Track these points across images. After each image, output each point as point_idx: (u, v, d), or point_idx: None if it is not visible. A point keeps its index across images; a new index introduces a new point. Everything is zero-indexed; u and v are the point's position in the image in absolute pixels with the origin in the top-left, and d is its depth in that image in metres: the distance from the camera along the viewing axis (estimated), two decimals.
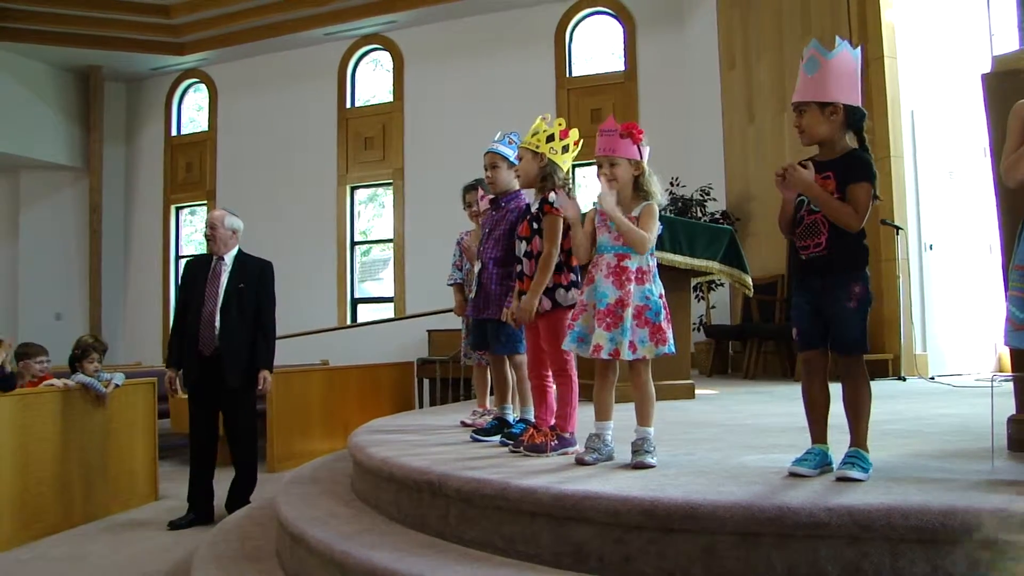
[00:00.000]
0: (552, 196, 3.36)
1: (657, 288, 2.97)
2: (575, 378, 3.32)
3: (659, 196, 3.04)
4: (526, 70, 10.98)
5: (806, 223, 2.70)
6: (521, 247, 3.48)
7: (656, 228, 2.99)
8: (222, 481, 5.11)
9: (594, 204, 3.10)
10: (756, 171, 8.64)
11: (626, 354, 2.88)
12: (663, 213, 5.33)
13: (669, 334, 2.93)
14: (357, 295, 12.14)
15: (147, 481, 5.71)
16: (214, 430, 5.05)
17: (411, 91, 11.76)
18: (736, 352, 8.69)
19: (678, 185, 8.94)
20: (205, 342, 4.89)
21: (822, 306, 2.64)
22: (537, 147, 3.46)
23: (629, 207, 3.01)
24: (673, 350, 2.94)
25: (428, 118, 11.54)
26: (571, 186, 3.47)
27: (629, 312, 2.90)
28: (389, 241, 12.09)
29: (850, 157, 2.63)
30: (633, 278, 2.94)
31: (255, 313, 5.01)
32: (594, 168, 3.10)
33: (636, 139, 3.03)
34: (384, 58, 12.18)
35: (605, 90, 10.65)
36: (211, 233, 5.08)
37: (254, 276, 5.06)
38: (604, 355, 2.90)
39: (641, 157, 3.04)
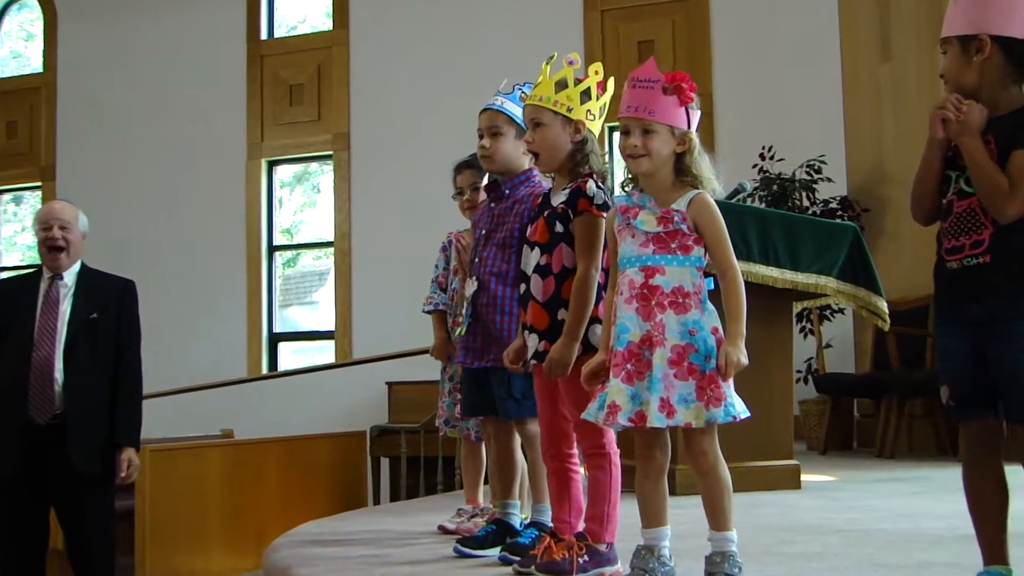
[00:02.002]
0: (592, 186, 3.41)
1: (709, 319, 3.03)
2: (616, 460, 3.36)
3: (713, 183, 3.11)
4: None
5: (956, 212, 2.74)
6: (531, 257, 3.51)
7: (724, 228, 3.06)
8: None
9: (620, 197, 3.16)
10: (894, 136, 8.72)
11: (656, 419, 2.92)
12: (730, 203, 5.41)
13: (730, 390, 2.98)
14: (278, 328, 12.21)
15: None
16: (43, 544, 5.09)
17: (361, 13, 11.87)
18: (865, 416, 8.72)
19: (772, 159, 9.02)
20: (37, 405, 4.91)
21: (986, 349, 2.68)
22: (570, 109, 3.50)
23: (667, 199, 3.08)
24: (741, 414, 2.99)
25: (388, 56, 11.64)
26: (608, 172, 3.52)
27: (661, 354, 2.96)
28: (327, 245, 12.15)
29: (1021, 115, 2.70)
30: (667, 303, 3.00)
31: (114, 359, 5.07)
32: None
33: (685, 98, 3.09)
34: None
35: (659, 12, 10.74)
36: (58, 236, 5.11)
37: (110, 302, 5.11)
38: (622, 420, 2.95)
39: (689, 126, 3.10)
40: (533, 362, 3.48)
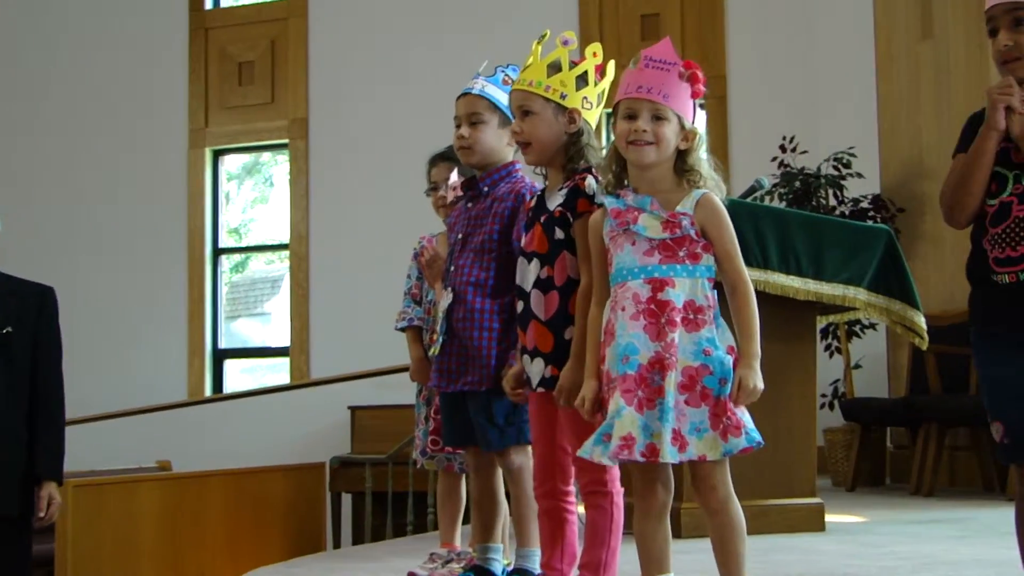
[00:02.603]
0: (591, 183, 3.44)
1: (724, 336, 3.07)
2: (619, 500, 3.38)
3: (715, 185, 3.15)
4: None
5: (1015, 216, 2.75)
6: (529, 270, 3.53)
7: (735, 235, 3.08)
8: None
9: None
10: (936, 125, 8.76)
11: (669, 454, 2.95)
12: (745, 201, 5.44)
13: (746, 416, 3.02)
14: (223, 343, 12.21)
15: None
16: None
17: None
18: (899, 447, 8.75)
19: (794, 151, 9.06)
20: None
21: None
22: (563, 96, 3.53)
23: (670, 201, 3.12)
24: (754, 442, 3.02)
25: (353, 30, 11.65)
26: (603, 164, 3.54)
27: (673, 379, 2.99)
28: (281, 248, 12.17)
29: None
30: (679, 320, 3.03)
31: (31, 379, 5.07)
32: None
33: (697, 91, 3.14)
34: None
35: None
36: None
37: (26, 313, 5.10)
38: (636, 455, 2.97)
39: (694, 119, 3.15)
40: (541, 390, 3.49)
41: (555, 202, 3.51)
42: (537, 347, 3.47)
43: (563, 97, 3.51)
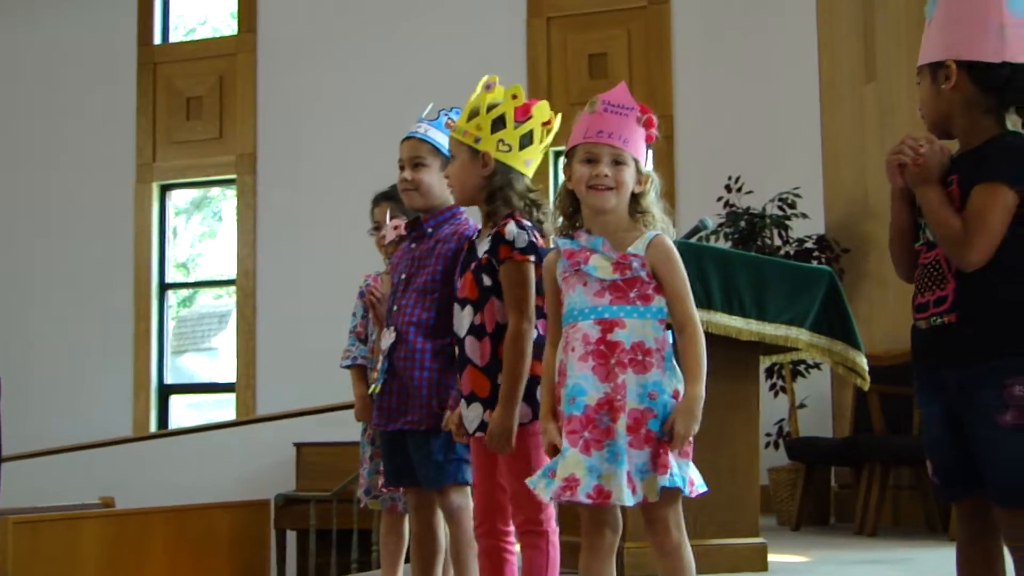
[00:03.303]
0: (511, 228, 3.47)
1: (671, 380, 3.09)
2: (554, 540, 3.41)
3: (666, 227, 3.20)
4: None
5: (922, 264, 2.83)
6: (463, 317, 3.57)
7: (686, 276, 3.12)
8: None
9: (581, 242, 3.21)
10: (880, 166, 8.78)
11: (623, 496, 2.97)
12: (689, 242, 5.48)
13: (676, 462, 3.02)
14: (169, 379, 12.14)
15: None
16: None
17: (271, 17, 11.89)
18: (843, 487, 8.79)
19: (739, 191, 9.12)
20: None
21: (961, 417, 2.75)
22: (477, 139, 3.58)
23: (622, 241, 3.15)
24: (695, 489, 3.05)
25: (302, 66, 11.66)
26: (545, 209, 3.58)
27: (623, 422, 3.01)
28: (228, 283, 12.12)
29: (989, 146, 2.79)
30: (628, 361, 3.05)
31: None
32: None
33: (651, 133, 3.19)
34: None
35: (613, 21, 10.83)
36: None
37: None
38: (580, 496, 2.99)
39: (647, 163, 3.21)
40: (480, 434, 3.51)
41: (483, 248, 3.55)
42: (474, 392, 3.50)
43: (476, 141, 3.56)
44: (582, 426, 3.02)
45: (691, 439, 3.04)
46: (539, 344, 3.45)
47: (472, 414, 3.51)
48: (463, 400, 3.55)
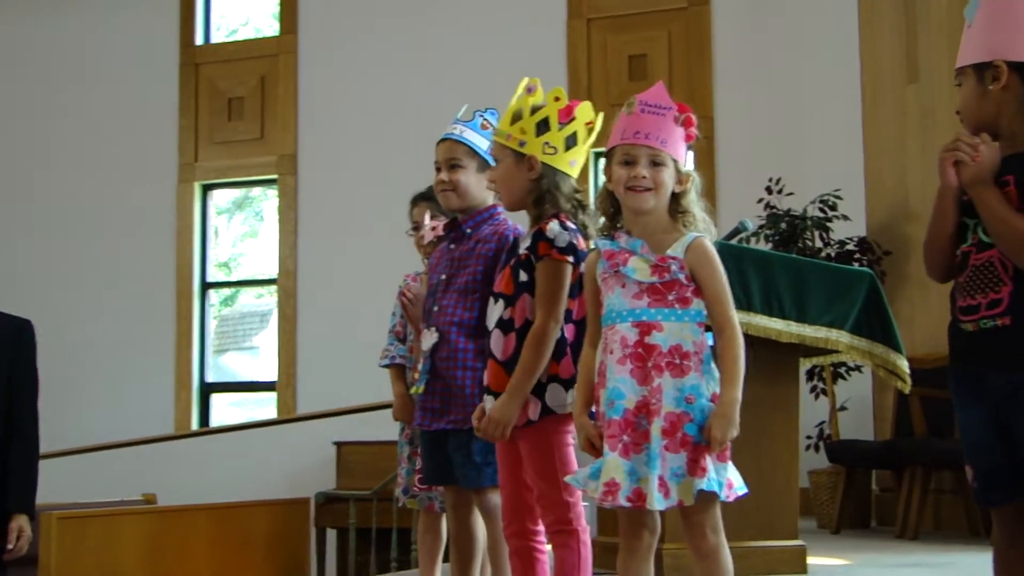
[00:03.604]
0: (554, 227, 3.47)
1: (709, 384, 3.08)
2: (585, 538, 3.41)
3: (707, 227, 3.19)
4: None
5: (972, 265, 2.80)
6: (494, 311, 3.59)
7: (726, 279, 3.11)
8: None
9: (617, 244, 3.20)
10: (921, 168, 8.79)
11: (657, 501, 2.98)
12: (729, 244, 5.47)
13: (713, 465, 3.02)
14: (211, 377, 12.20)
15: None
16: None
17: (312, 18, 11.93)
18: (884, 490, 8.75)
19: (780, 193, 9.09)
20: None
21: (1010, 422, 2.74)
22: (521, 143, 3.58)
23: (661, 244, 3.14)
24: (734, 492, 3.04)
25: (343, 67, 11.69)
26: (590, 211, 3.58)
27: (659, 425, 3.01)
28: (270, 282, 12.17)
29: None
30: (665, 364, 3.05)
31: (6, 413, 5.07)
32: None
33: (691, 132, 3.18)
34: None
35: (653, 22, 10.83)
36: None
37: (1, 347, 5.11)
38: (621, 500, 2.99)
39: (687, 161, 3.20)
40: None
41: (524, 245, 3.56)
42: (491, 386, 3.52)
43: (521, 144, 3.56)
44: (621, 430, 3.02)
45: (729, 442, 3.03)
46: (560, 346, 3.45)
47: (488, 407, 3.52)
48: (484, 392, 3.56)
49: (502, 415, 3.43)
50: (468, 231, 3.96)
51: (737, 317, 3.15)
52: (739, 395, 3.00)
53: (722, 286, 3.12)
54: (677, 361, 3.04)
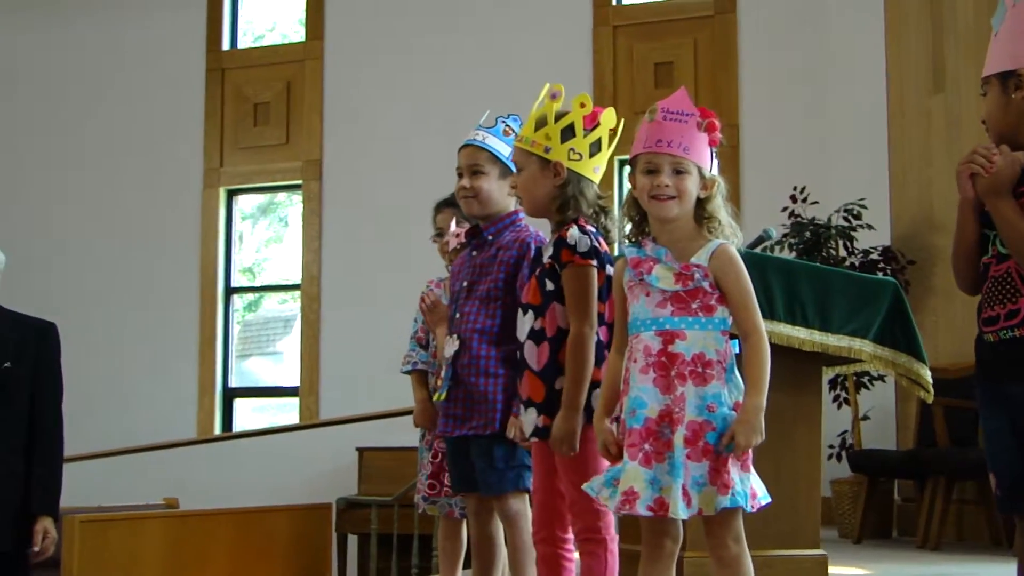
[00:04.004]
0: (574, 232, 3.48)
1: (732, 393, 3.08)
2: (613, 548, 3.41)
3: (732, 232, 3.19)
4: None
5: (992, 277, 2.80)
6: (525, 322, 3.59)
7: (750, 286, 3.10)
8: None
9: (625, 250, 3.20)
10: (947, 178, 8.74)
11: (681, 510, 2.97)
12: (753, 252, 5.46)
13: (741, 475, 3.02)
14: (234, 382, 12.23)
15: None
16: None
17: (338, 24, 11.97)
18: (907, 500, 8.72)
19: (804, 201, 9.07)
20: None
21: None
22: (547, 149, 3.59)
23: (685, 251, 3.13)
24: (762, 500, 3.04)
25: (368, 73, 11.72)
26: (612, 215, 3.58)
27: (681, 434, 3.01)
28: (294, 288, 12.19)
29: None
30: (688, 373, 3.04)
31: (30, 416, 5.09)
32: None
33: (714, 137, 3.17)
34: None
35: (680, 30, 10.84)
36: None
37: (26, 349, 5.13)
38: (641, 509, 2.99)
39: (712, 167, 3.19)
40: (533, 440, 3.53)
41: (547, 254, 3.56)
42: (531, 397, 3.51)
43: (547, 151, 3.57)
44: (642, 439, 3.01)
45: (751, 450, 3.03)
46: (598, 351, 3.45)
47: (528, 419, 3.52)
48: (522, 405, 3.56)
49: (565, 431, 3.43)
50: (490, 238, 3.97)
51: (763, 324, 3.14)
52: (763, 402, 3.00)
53: (747, 292, 3.11)
54: (700, 369, 3.03)
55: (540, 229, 3.95)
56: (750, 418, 2.97)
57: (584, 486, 3.18)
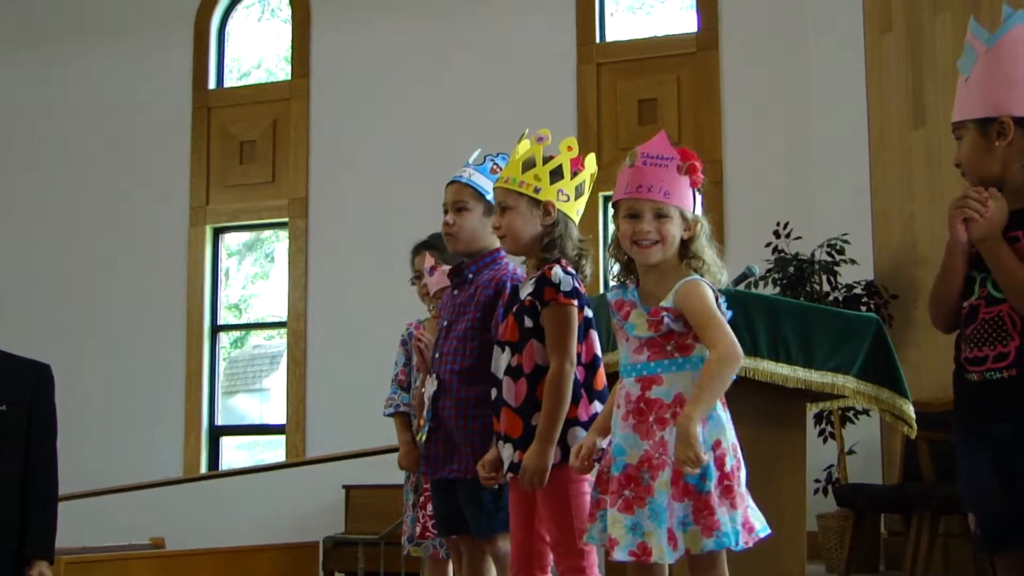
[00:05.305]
0: (558, 272, 3.50)
1: (712, 431, 3.06)
2: None
3: (718, 271, 3.19)
4: (525, 32, 11.21)
5: (982, 319, 2.81)
6: (502, 359, 3.60)
7: (711, 306, 3.08)
8: None
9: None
10: (928, 213, 8.81)
11: (664, 555, 2.98)
12: (736, 290, 5.48)
13: (727, 515, 3.02)
14: (220, 420, 12.20)
15: None
16: None
17: (324, 61, 11.99)
18: (894, 534, 8.72)
19: (787, 237, 9.11)
20: None
21: (1015, 471, 2.75)
22: (537, 189, 3.62)
23: (662, 288, 3.14)
24: (755, 536, 3.04)
25: (354, 111, 11.75)
26: (588, 258, 3.60)
27: (664, 478, 3.01)
28: (280, 325, 12.19)
29: None
30: (669, 416, 3.05)
31: (25, 457, 5.08)
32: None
33: (696, 178, 3.18)
34: (279, 1, 12.45)
35: (662, 67, 10.88)
36: None
37: (21, 391, 5.12)
38: (621, 555, 3.00)
39: (695, 207, 3.19)
40: (509, 475, 3.53)
41: (526, 291, 3.58)
42: (508, 433, 3.52)
43: (536, 191, 3.59)
44: (621, 486, 3.03)
45: (739, 486, 3.03)
46: (575, 389, 3.46)
47: (506, 454, 3.53)
48: (499, 440, 3.57)
49: (536, 464, 3.43)
50: (470, 276, 3.99)
51: (732, 341, 3.10)
52: (695, 412, 2.94)
53: (704, 313, 3.08)
54: (679, 410, 3.03)
55: (519, 267, 3.97)
56: (679, 429, 2.94)
57: (585, 537, 3.18)
